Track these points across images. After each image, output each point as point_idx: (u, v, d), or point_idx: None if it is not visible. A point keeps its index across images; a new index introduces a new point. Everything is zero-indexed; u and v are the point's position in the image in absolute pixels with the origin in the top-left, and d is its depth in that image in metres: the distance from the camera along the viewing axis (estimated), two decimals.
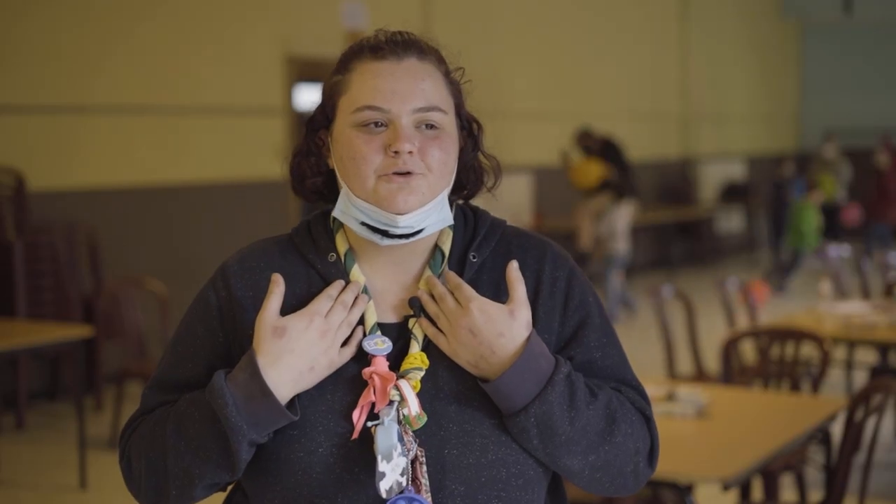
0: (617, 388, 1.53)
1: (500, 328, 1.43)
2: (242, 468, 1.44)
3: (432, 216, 1.47)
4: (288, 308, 1.48)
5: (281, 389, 1.41)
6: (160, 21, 7.69)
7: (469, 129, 1.55)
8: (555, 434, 1.43)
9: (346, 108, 1.48)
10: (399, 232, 1.46)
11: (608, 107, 13.00)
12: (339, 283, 1.48)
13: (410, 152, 1.44)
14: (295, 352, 1.42)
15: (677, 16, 14.61)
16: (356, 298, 1.48)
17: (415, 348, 1.47)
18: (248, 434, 1.40)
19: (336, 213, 1.51)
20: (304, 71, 8.71)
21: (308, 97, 8.83)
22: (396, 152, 1.44)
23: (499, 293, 1.51)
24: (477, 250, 1.54)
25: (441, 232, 1.54)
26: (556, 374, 1.44)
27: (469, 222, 1.57)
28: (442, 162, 1.47)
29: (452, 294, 1.47)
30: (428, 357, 1.46)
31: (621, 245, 9.79)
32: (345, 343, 1.46)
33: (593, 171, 9.97)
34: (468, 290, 1.46)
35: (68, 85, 7.16)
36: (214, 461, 1.43)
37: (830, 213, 14.59)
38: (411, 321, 1.48)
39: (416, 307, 1.49)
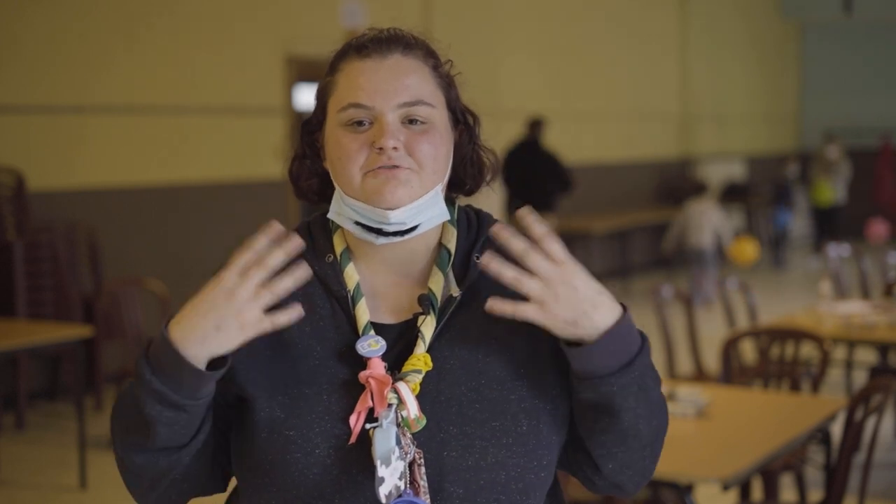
0: None
1: (596, 284, 1.36)
2: (166, 429, 1.37)
3: (425, 212, 1.46)
4: (285, 306, 1.48)
5: (189, 348, 1.34)
6: (160, 21, 7.69)
7: (464, 123, 1.54)
8: (648, 389, 1.42)
9: (333, 108, 1.48)
10: (392, 229, 1.45)
11: (608, 106, 13.01)
12: (272, 231, 1.35)
13: (395, 148, 1.43)
14: (198, 309, 1.35)
15: (677, 16, 14.61)
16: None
17: (420, 349, 1.44)
18: (155, 386, 1.35)
19: (331, 214, 1.50)
20: (304, 71, 8.71)
21: (308, 97, 8.83)
22: (381, 149, 1.43)
23: (503, 296, 1.50)
24: (481, 251, 1.52)
25: (445, 231, 1.53)
26: (641, 335, 1.42)
27: (472, 224, 1.55)
28: (431, 157, 1.45)
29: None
30: (431, 359, 1.45)
31: None
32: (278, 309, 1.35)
33: None
34: (558, 242, 1.34)
35: (69, 85, 7.16)
36: (137, 429, 1.40)
37: (829, 214, 14.62)
38: (420, 318, 1.46)
39: (425, 304, 1.46)
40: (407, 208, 1.44)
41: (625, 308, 1.39)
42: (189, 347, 1.34)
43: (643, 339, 1.42)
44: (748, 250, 11.12)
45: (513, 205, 9.57)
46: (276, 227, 1.35)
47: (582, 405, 1.44)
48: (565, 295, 1.34)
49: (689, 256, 10.66)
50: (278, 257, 1.34)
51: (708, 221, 10.49)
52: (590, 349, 1.36)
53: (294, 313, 1.35)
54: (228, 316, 1.34)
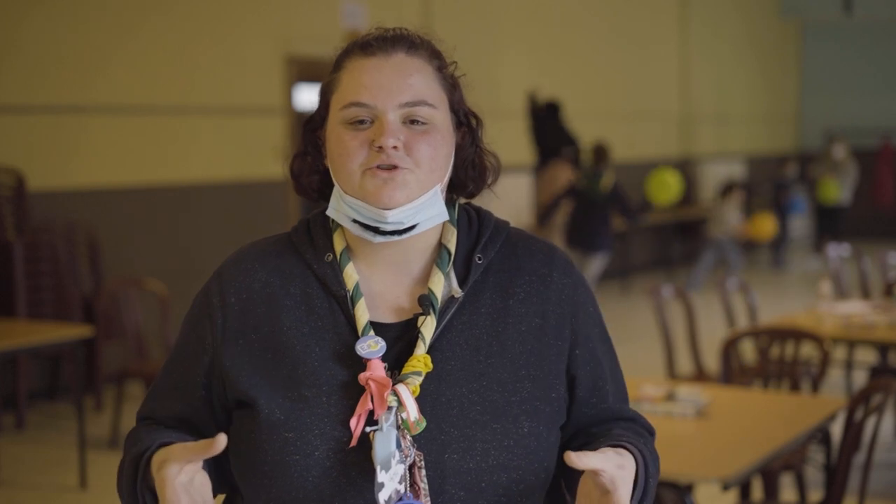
0: (633, 416, 1.57)
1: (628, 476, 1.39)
2: None
3: (424, 212, 1.45)
4: (285, 307, 1.47)
5: None
6: (160, 21, 7.69)
7: (467, 125, 1.53)
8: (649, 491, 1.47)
9: (336, 105, 1.48)
10: (389, 228, 1.44)
11: (608, 106, 13.00)
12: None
13: (395, 147, 1.42)
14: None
15: (677, 16, 14.61)
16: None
17: (420, 349, 1.44)
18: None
19: (329, 211, 1.50)
20: (304, 71, 8.71)
21: (308, 97, 8.83)
22: (380, 147, 1.42)
23: (505, 297, 1.49)
24: (482, 251, 1.51)
25: (445, 230, 1.52)
26: (649, 477, 1.46)
27: (473, 223, 1.55)
28: (430, 157, 1.44)
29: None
30: (431, 360, 1.44)
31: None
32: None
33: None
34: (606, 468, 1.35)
35: (68, 85, 7.16)
36: None
37: (832, 214, 14.60)
38: (420, 319, 1.45)
39: (425, 305, 1.46)
40: (405, 208, 1.43)
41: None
42: None
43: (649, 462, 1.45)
44: (767, 226, 12.01)
45: (576, 242, 8.86)
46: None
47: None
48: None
49: (709, 245, 11.70)
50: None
51: (729, 217, 11.50)
52: None
53: None
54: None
